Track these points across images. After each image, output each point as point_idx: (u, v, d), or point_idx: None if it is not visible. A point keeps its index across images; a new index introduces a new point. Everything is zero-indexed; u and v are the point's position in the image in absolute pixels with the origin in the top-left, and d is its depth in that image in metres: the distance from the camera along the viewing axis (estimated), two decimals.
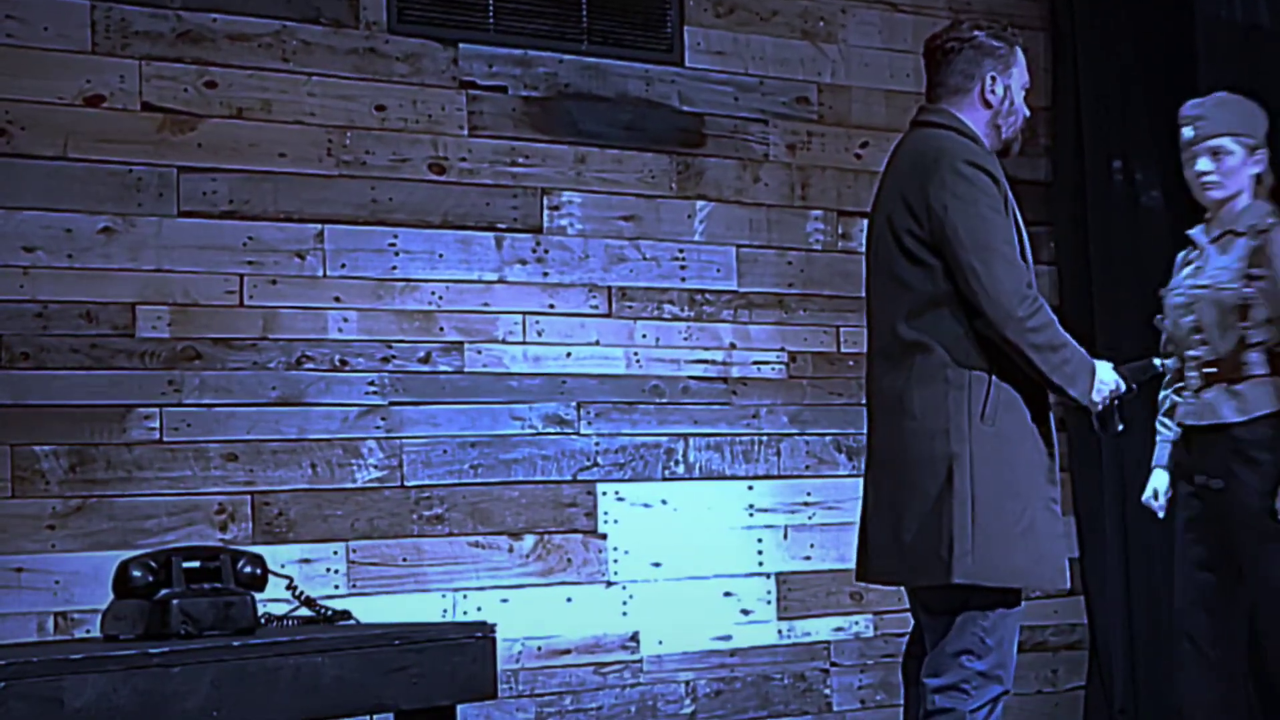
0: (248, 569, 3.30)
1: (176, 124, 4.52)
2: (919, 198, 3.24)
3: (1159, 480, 4.15)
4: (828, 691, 5.26)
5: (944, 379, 3.21)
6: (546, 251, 4.98)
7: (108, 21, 4.44)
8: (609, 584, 4.98)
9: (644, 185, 5.16)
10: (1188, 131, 4.00)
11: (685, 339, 5.17)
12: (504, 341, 4.90)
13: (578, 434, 4.97)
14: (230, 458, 4.50)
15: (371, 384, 4.70)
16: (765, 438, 5.26)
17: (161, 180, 4.48)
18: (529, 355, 4.93)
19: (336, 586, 4.57)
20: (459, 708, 3.30)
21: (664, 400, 5.10)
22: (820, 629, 5.27)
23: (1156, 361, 3.76)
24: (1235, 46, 5.07)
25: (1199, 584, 4.01)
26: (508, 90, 4.97)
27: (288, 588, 3.57)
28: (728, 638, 5.13)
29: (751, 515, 5.21)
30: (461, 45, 4.92)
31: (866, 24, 5.57)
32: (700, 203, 5.24)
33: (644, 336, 5.11)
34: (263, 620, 3.37)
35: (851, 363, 5.34)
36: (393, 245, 4.77)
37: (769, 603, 5.20)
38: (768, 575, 5.21)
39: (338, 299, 4.68)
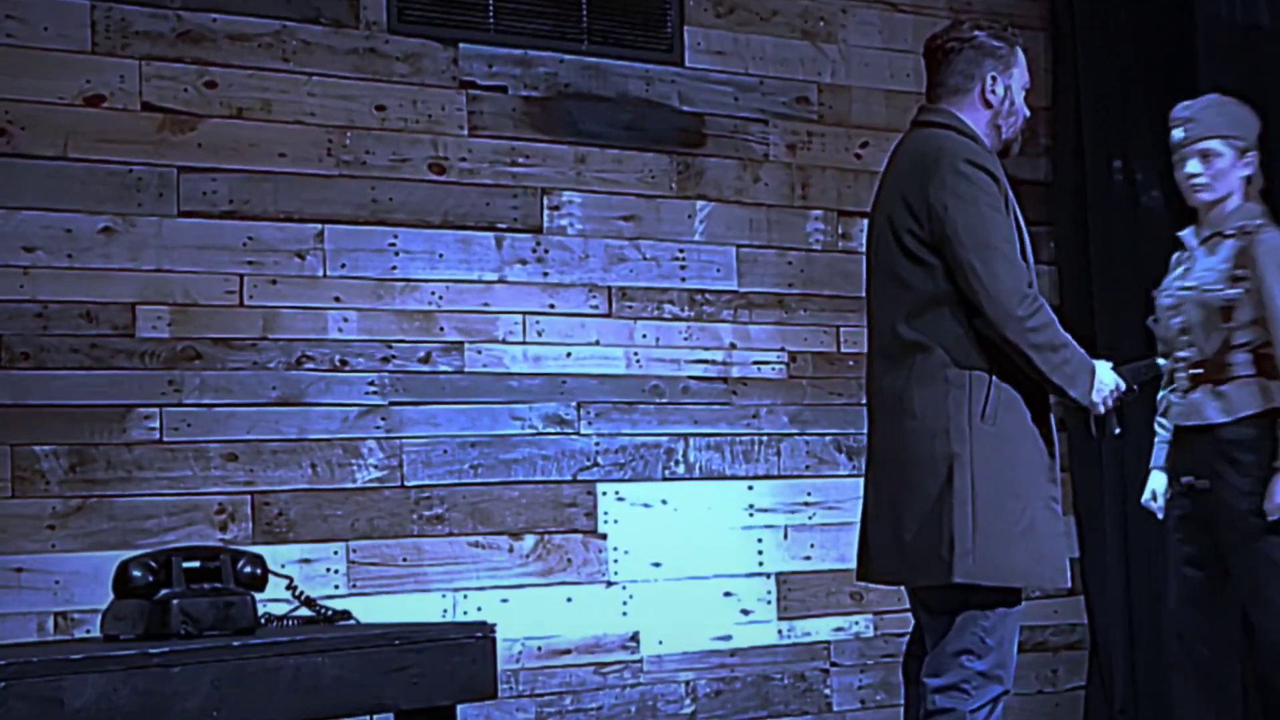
0: (248, 569, 3.30)
1: (176, 124, 4.52)
2: (919, 197, 3.24)
3: (1157, 481, 4.17)
4: (828, 691, 5.26)
5: (944, 379, 3.21)
6: (546, 251, 4.99)
7: (108, 21, 4.44)
8: (609, 584, 4.98)
9: (644, 185, 5.16)
10: (1178, 133, 4.02)
11: (685, 339, 5.17)
12: (504, 341, 4.90)
13: (578, 434, 4.97)
14: (230, 458, 4.50)
15: (371, 384, 4.70)
16: (765, 438, 5.26)
17: (161, 180, 4.48)
18: (529, 355, 4.93)
19: (336, 586, 4.57)
20: (459, 708, 3.30)
21: (664, 400, 5.10)
22: (820, 629, 5.27)
23: (1161, 361, 3.78)
24: (1235, 46, 5.08)
25: (1189, 583, 4.03)
26: (508, 90, 4.97)
27: (288, 588, 3.57)
28: (728, 638, 5.13)
29: (751, 515, 5.21)
30: (461, 45, 4.92)
31: (866, 24, 5.57)
32: (700, 203, 5.24)
33: (644, 336, 5.11)
34: (263, 620, 3.37)
35: (851, 363, 5.34)
36: (393, 245, 4.77)
37: (769, 603, 5.20)
38: (768, 575, 5.21)
39: (338, 299, 4.68)
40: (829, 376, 5.37)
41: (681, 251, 5.19)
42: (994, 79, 3.38)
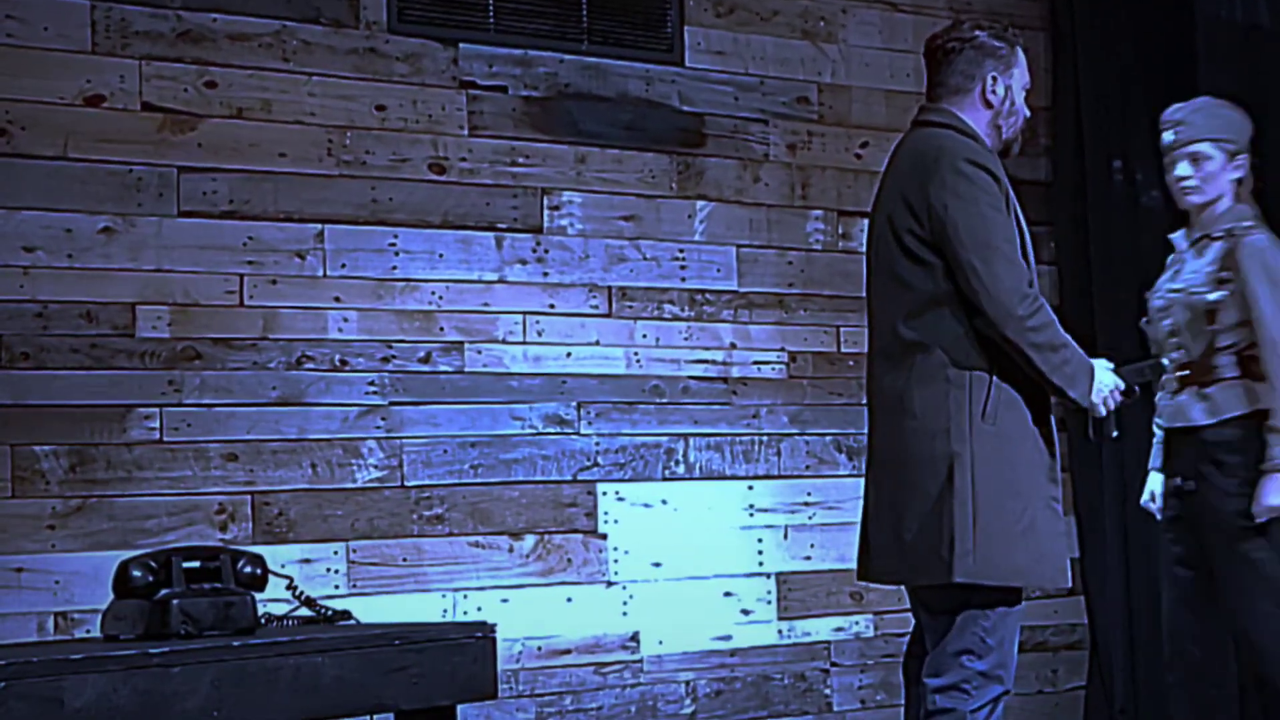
0: (248, 569, 3.30)
1: (176, 124, 4.52)
2: (920, 197, 3.24)
3: (1156, 482, 4.18)
4: (828, 691, 5.26)
5: (944, 378, 3.21)
6: (547, 251, 4.98)
7: (108, 21, 4.44)
8: (609, 584, 4.98)
9: (644, 185, 5.16)
10: (1168, 136, 4.04)
11: (685, 339, 5.17)
12: (504, 341, 4.90)
13: (578, 434, 4.97)
14: (230, 458, 4.50)
15: (371, 384, 4.70)
16: (765, 438, 5.26)
17: (161, 180, 4.48)
18: (529, 355, 4.93)
19: (336, 586, 4.57)
20: (459, 708, 3.29)
21: (664, 400, 5.10)
22: (820, 629, 5.27)
23: (1166, 361, 3.79)
24: (1235, 46, 5.08)
25: (1180, 583, 4.05)
26: (508, 90, 4.97)
27: (288, 588, 3.57)
28: (728, 638, 5.13)
29: (751, 515, 5.21)
30: (461, 45, 4.92)
31: (867, 24, 5.57)
32: (700, 203, 5.24)
33: (644, 336, 5.11)
34: (263, 620, 3.37)
35: (852, 363, 5.34)
36: (393, 245, 4.77)
37: (769, 603, 5.20)
38: (768, 575, 5.21)
39: (338, 299, 4.68)
40: (829, 376, 5.37)
41: (681, 251, 5.19)
42: (994, 79, 3.38)
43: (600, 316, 5.04)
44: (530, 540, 4.87)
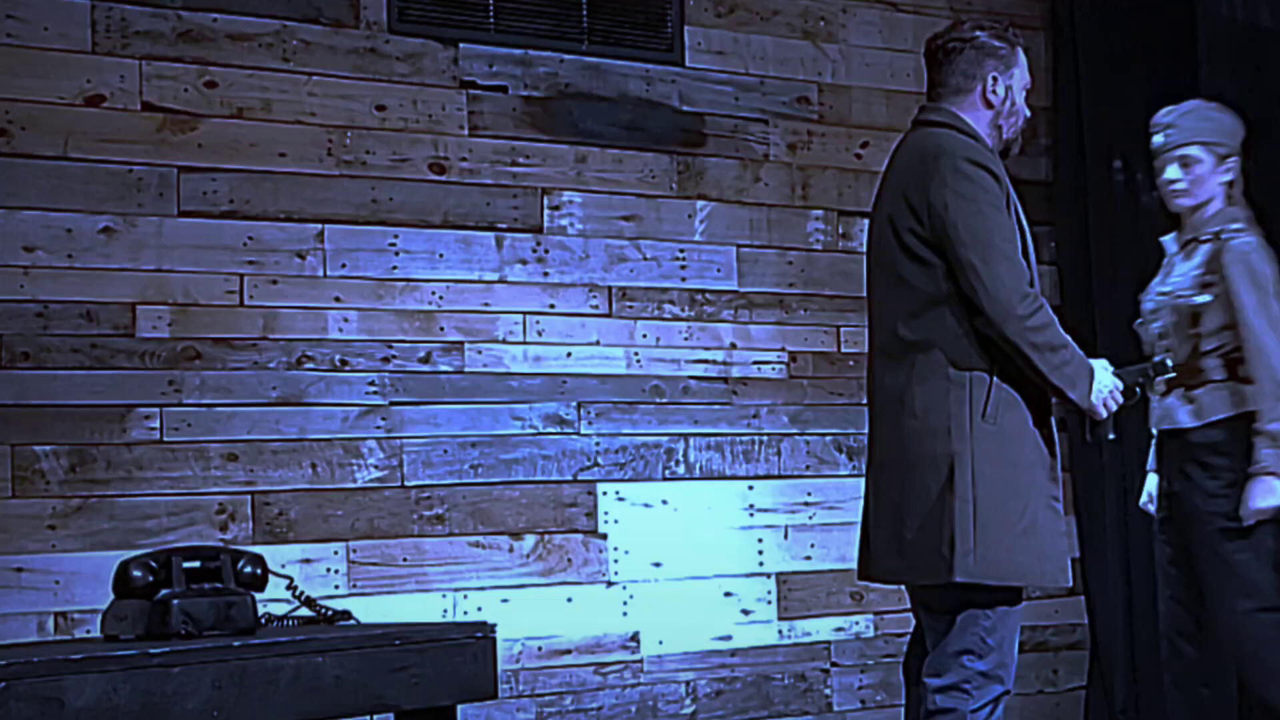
0: (248, 569, 3.30)
1: (176, 124, 4.52)
2: (920, 196, 3.24)
3: (1152, 484, 4.20)
4: (828, 691, 5.26)
5: (945, 378, 3.21)
6: (547, 251, 4.98)
7: (108, 21, 4.44)
8: (609, 584, 4.97)
9: (644, 185, 5.15)
10: (1158, 139, 4.06)
11: (686, 339, 5.17)
12: (504, 341, 4.90)
13: (578, 434, 4.97)
14: (231, 458, 4.49)
15: (372, 384, 4.70)
16: (765, 438, 5.25)
17: (161, 180, 4.48)
18: (529, 355, 4.92)
19: (337, 586, 4.57)
20: (459, 708, 3.29)
21: (664, 400, 5.10)
22: (821, 629, 5.27)
23: (1169, 362, 3.79)
24: (1236, 46, 5.07)
25: (1173, 583, 4.07)
26: (508, 90, 4.97)
27: (288, 588, 3.57)
28: (728, 638, 5.13)
29: (752, 515, 5.21)
30: (462, 45, 4.92)
31: (867, 24, 5.57)
32: (701, 202, 5.24)
33: (644, 336, 5.10)
34: (263, 620, 3.37)
35: (852, 363, 5.34)
36: (393, 245, 4.77)
37: (769, 603, 5.19)
38: (768, 575, 5.21)
39: (338, 299, 4.68)
40: (829, 376, 5.37)
41: (682, 251, 5.19)
42: (995, 79, 3.37)
43: (600, 316, 5.04)
44: (530, 540, 4.87)
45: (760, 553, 5.20)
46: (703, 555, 5.10)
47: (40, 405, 4.28)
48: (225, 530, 4.45)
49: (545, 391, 4.93)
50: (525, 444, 4.89)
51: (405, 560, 4.69)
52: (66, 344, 4.33)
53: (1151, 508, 4.19)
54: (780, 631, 5.21)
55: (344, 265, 4.70)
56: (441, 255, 4.83)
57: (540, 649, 4.84)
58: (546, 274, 4.98)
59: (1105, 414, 3.36)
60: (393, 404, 4.71)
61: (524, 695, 4.80)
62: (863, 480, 3.44)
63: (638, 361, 5.08)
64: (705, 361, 5.19)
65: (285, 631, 3.37)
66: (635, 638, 4.99)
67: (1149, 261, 4.61)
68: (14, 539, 4.22)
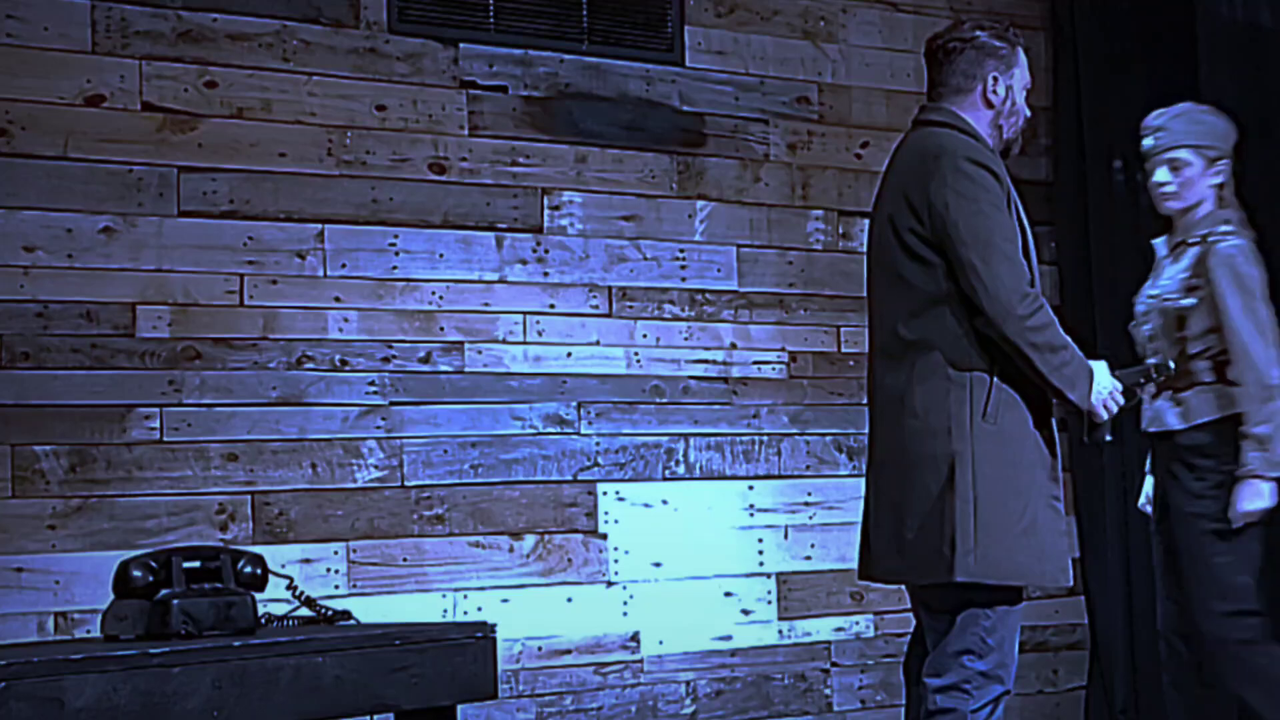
0: (248, 569, 3.30)
1: (176, 124, 4.52)
2: (921, 195, 3.23)
3: (1151, 485, 4.20)
4: (828, 691, 5.26)
5: (945, 378, 3.21)
6: (547, 251, 4.98)
7: (108, 21, 4.44)
8: (609, 584, 4.97)
9: (644, 185, 5.15)
10: (1147, 142, 4.08)
11: (686, 339, 5.17)
12: (504, 341, 4.90)
13: (578, 434, 4.97)
14: (231, 458, 4.49)
15: (372, 384, 4.70)
16: (766, 438, 5.25)
17: (161, 180, 4.48)
18: (529, 355, 4.92)
19: (337, 586, 4.56)
20: (459, 708, 3.29)
21: (664, 400, 5.10)
22: (821, 629, 5.27)
23: (1171, 364, 3.80)
24: (1236, 46, 5.07)
25: (1169, 584, 4.08)
26: (508, 90, 4.97)
27: (288, 588, 3.57)
28: (728, 638, 5.13)
29: (752, 515, 5.21)
30: (462, 45, 4.92)
31: (867, 24, 5.57)
32: (701, 202, 5.24)
33: (644, 336, 5.10)
34: (263, 620, 3.37)
35: (852, 363, 5.34)
36: (393, 245, 4.77)
37: (769, 603, 5.19)
38: (768, 575, 5.21)
39: (338, 299, 4.68)
40: (829, 376, 5.37)
41: (682, 251, 5.19)
42: (995, 79, 3.37)
43: (600, 316, 5.04)
44: (530, 540, 4.87)
45: (760, 553, 5.20)
46: (703, 555, 5.10)
47: (40, 405, 4.28)
48: (225, 530, 4.45)
49: (545, 391, 4.93)
50: (525, 444, 4.89)
51: (405, 560, 4.68)
52: (66, 344, 4.33)
53: (1150, 509, 4.20)
54: (780, 631, 5.21)
55: (344, 265, 4.69)
56: (441, 255, 4.83)
57: (540, 649, 4.84)
58: (546, 274, 4.98)
59: (1106, 416, 3.36)
60: (393, 404, 4.71)
61: (524, 695, 4.80)
62: (863, 480, 3.44)
63: (638, 361, 5.08)
64: (705, 361, 5.19)
65: (285, 631, 3.37)
66: (635, 638, 4.99)
67: (1149, 262, 4.62)
68: (14, 539, 4.22)
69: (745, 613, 5.16)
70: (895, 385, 3.28)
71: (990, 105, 3.38)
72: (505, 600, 4.79)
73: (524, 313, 4.93)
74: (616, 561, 4.98)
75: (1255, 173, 4.54)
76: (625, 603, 4.98)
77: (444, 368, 4.80)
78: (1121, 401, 3.39)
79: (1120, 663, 5.50)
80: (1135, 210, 5.58)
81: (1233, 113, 4.14)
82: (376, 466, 4.68)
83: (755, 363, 5.26)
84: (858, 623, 5.31)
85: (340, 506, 4.62)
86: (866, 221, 3.53)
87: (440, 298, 4.81)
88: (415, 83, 4.84)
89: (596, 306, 5.04)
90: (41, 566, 4.25)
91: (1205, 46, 5.12)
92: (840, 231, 5.43)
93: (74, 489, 4.30)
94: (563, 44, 5.06)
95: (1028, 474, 3.23)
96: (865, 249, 3.47)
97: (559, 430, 4.94)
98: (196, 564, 3.23)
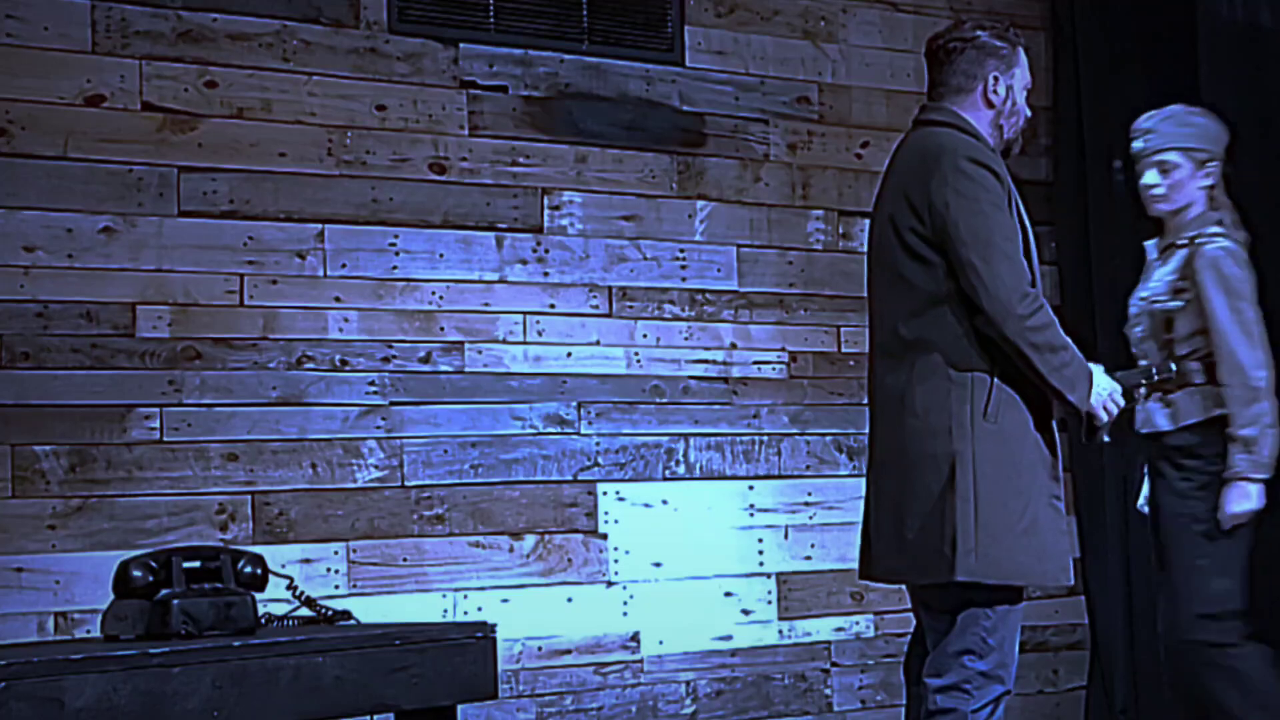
0: (248, 569, 3.30)
1: (177, 124, 4.51)
2: (921, 195, 3.23)
3: (1148, 485, 4.20)
4: (828, 691, 5.26)
5: (946, 377, 3.21)
6: (547, 251, 4.98)
7: (108, 21, 4.44)
8: (609, 584, 4.97)
9: (644, 185, 5.15)
10: (1137, 144, 4.10)
11: (686, 339, 5.17)
12: (504, 341, 4.90)
13: (578, 434, 4.97)
14: (231, 458, 4.49)
15: (372, 384, 4.69)
16: (766, 438, 5.25)
17: (162, 180, 4.48)
18: (529, 355, 4.92)
19: (337, 586, 4.56)
20: (459, 708, 3.29)
21: (664, 400, 5.10)
22: (821, 629, 5.26)
23: (1173, 365, 3.80)
24: (1236, 46, 5.07)
25: (1160, 582, 4.07)
26: (508, 90, 4.97)
27: (288, 588, 3.57)
28: (728, 638, 5.13)
29: (752, 515, 5.21)
30: (462, 45, 4.92)
31: (867, 24, 5.57)
32: (701, 202, 5.24)
33: (644, 336, 5.10)
34: (263, 620, 3.36)
35: (852, 363, 5.34)
36: (393, 245, 4.77)
37: (770, 603, 5.19)
38: (768, 575, 5.20)
39: (338, 299, 4.68)
40: (829, 376, 5.37)
41: (682, 251, 5.19)
42: (996, 79, 3.37)
43: (600, 316, 5.04)
44: (530, 540, 4.87)
45: (760, 553, 5.20)
46: (703, 555, 5.10)
47: (40, 405, 4.28)
48: (225, 530, 4.45)
49: (545, 391, 4.93)
50: (525, 444, 4.89)
51: (405, 560, 4.68)
52: (66, 344, 4.32)
53: (1147, 510, 4.20)
54: (780, 631, 5.21)
55: (344, 265, 4.69)
56: (441, 255, 4.83)
57: (540, 649, 4.84)
58: (546, 274, 4.97)
59: (1106, 418, 3.36)
60: (393, 404, 4.71)
61: (524, 695, 4.80)
62: (863, 480, 3.44)
63: (638, 361, 5.08)
64: (705, 361, 5.19)
65: (285, 631, 3.37)
66: (635, 638, 4.98)
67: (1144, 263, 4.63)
68: (14, 539, 4.21)
69: (745, 613, 5.15)
70: (896, 385, 3.27)
71: (991, 105, 3.38)
72: (505, 600, 4.79)
73: (524, 313, 4.93)
74: (616, 561, 4.98)
75: (1254, 173, 4.54)
76: (625, 603, 4.98)
77: (444, 368, 4.79)
78: (1121, 403, 3.39)
79: (1120, 663, 5.50)
80: (1135, 210, 5.56)
81: (1233, 113, 4.14)
82: (376, 466, 4.68)
83: (755, 363, 5.26)
84: (858, 623, 5.31)
85: (340, 506, 4.62)
86: (867, 221, 3.53)
87: (440, 298, 4.81)
88: (415, 83, 4.83)
89: (596, 306, 5.04)
90: (41, 566, 4.25)
91: (1205, 46, 5.12)
92: (840, 231, 5.43)
93: (74, 489, 4.30)
94: (563, 44, 5.06)
95: (1028, 474, 3.23)
96: (865, 249, 3.47)
97: (559, 430, 4.94)
98: (196, 564, 3.23)
